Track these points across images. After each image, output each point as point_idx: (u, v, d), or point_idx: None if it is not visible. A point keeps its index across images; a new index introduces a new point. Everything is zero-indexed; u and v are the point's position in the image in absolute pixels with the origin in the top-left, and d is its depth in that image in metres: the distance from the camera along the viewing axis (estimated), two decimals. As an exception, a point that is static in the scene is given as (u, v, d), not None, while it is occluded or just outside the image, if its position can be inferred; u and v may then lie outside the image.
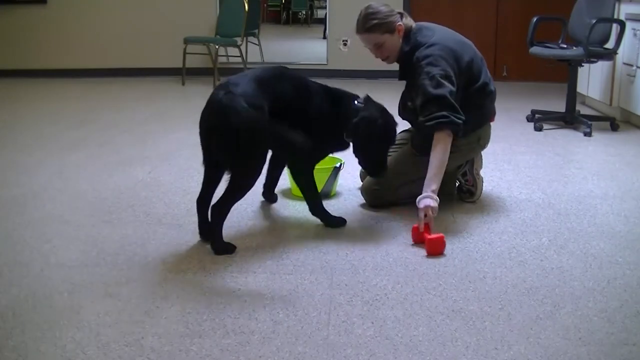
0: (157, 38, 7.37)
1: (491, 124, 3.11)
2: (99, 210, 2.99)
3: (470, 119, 2.90)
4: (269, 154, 2.74)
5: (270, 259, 2.47)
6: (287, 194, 3.22)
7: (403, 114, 3.06)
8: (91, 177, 3.52)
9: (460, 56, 2.85)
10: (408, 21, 2.94)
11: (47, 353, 1.82)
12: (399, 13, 2.93)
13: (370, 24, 2.86)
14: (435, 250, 2.51)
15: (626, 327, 1.99)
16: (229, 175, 2.49)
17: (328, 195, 3.16)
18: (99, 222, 2.84)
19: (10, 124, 4.96)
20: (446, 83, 2.75)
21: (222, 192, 2.51)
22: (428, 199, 2.62)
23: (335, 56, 7.44)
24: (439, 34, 2.91)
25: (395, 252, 2.54)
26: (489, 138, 3.10)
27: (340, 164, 3.19)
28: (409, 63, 2.88)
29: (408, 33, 2.92)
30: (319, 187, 2.88)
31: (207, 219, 2.60)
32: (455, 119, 2.73)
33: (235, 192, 2.53)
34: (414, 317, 2.04)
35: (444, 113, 2.71)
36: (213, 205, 2.53)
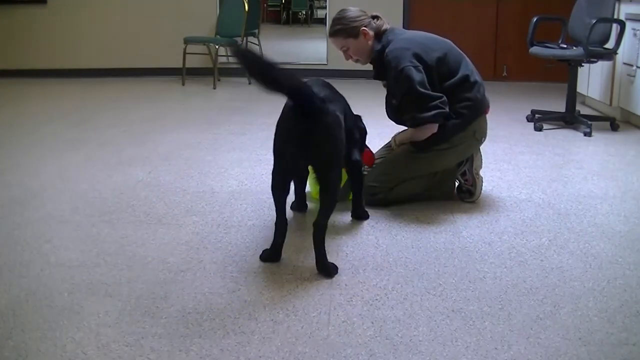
0: (157, 38, 7.37)
1: (487, 117, 3.10)
2: (99, 210, 2.99)
3: (461, 113, 2.92)
4: None
5: (270, 259, 2.47)
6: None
7: (389, 113, 3.10)
8: (91, 177, 3.52)
9: (429, 49, 2.92)
10: (381, 23, 3.02)
11: (47, 353, 1.82)
12: (374, 16, 3.02)
13: (333, 29, 3.02)
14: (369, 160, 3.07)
15: (626, 327, 1.99)
16: (325, 185, 2.38)
17: (344, 199, 3.10)
18: (99, 222, 2.84)
19: (10, 124, 4.96)
20: (418, 72, 2.86)
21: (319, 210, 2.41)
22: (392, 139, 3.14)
23: (335, 56, 7.41)
24: (410, 33, 3.03)
25: (395, 252, 2.54)
26: (485, 132, 3.09)
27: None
28: (381, 61, 2.96)
29: (381, 34, 3.00)
30: None
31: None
32: (434, 115, 2.87)
33: (334, 202, 2.44)
34: (414, 317, 2.04)
35: (426, 116, 2.87)
36: (317, 224, 2.36)
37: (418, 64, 2.85)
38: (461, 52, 3.03)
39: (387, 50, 2.92)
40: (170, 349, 1.85)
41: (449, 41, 3.05)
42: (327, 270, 2.35)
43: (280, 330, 1.95)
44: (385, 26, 3.02)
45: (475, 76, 3.01)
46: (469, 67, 3.00)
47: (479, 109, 3.02)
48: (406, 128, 3.11)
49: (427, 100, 2.84)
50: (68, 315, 2.03)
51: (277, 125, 2.42)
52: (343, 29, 2.97)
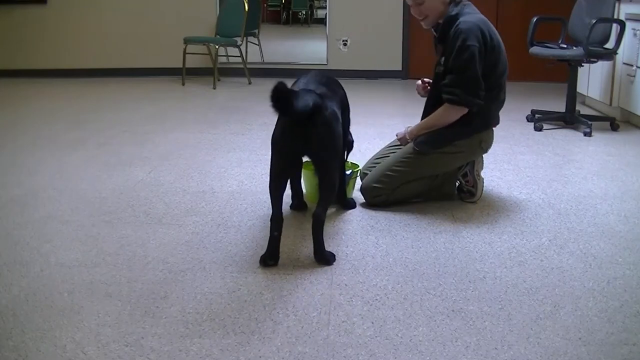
0: (157, 38, 7.37)
1: (493, 128, 3.12)
2: (99, 210, 2.99)
3: (475, 122, 2.92)
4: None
5: (270, 259, 2.46)
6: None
7: (435, 79, 3.08)
8: (91, 177, 3.52)
9: (494, 34, 2.91)
10: None
11: (47, 353, 1.82)
12: None
13: None
14: None
15: (626, 327, 1.99)
16: (325, 178, 2.43)
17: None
18: (99, 222, 2.84)
19: (10, 124, 4.97)
20: (476, 62, 2.84)
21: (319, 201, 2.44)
22: (403, 130, 3.13)
23: (335, 56, 7.44)
24: (483, 16, 2.96)
25: (395, 252, 2.54)
26: (491, 142, 3.11)
27: (351, 172, 3.12)
28: (449, 26, 2.91)
29: (458, 1, 2.95)
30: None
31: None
32: (474, 102, 2.87)
33: (333, 195, 2.55)
34: (414, 317, 2.04)
35: (468, 98, 2.86)
36: (317, 215, 2.39)
37: (483, 47, 2.84)
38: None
39: (461, 18, 2.87)
40: (170, 349, 1.85)
41: None
42: (325, 259, 2.42)
43: (280, 330, 1.95)
44: None
45: (504, 92, 3.03)
46: (505, 81, 3.02)
47: (489, 123, 3.05)
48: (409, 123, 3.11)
49: (478, 86, 2.86)
50: (68, 315, 2.03)
51: (277, 121, 2.44)
52: None
